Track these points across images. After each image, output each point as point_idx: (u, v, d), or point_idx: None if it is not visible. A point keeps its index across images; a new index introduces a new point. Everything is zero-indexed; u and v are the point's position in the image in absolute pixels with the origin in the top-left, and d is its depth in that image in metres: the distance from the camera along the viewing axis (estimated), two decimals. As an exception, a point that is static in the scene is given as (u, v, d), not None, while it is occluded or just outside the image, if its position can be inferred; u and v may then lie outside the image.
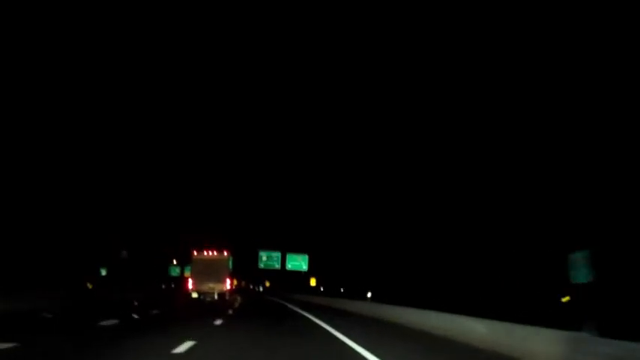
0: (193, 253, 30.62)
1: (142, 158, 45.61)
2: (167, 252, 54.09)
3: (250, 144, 67.33)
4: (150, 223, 52.03)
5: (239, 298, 34.61)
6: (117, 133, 38.46)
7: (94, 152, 36.72)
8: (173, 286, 46.48)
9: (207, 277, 29.38)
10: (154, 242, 55.09)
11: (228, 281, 30.49)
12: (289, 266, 46.61)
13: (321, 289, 56.26)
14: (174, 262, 61.15)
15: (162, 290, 49.47)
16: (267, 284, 74.24)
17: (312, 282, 55.36)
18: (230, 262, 30.17)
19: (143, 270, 55.03)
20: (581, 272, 10.00)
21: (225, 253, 30.33)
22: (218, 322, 12.68)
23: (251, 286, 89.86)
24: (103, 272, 50.18)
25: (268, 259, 46.72)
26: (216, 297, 29.33)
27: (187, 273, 34.85)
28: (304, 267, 47.02)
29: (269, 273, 59.25)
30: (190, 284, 30.50)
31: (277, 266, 46.68)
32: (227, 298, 29.58)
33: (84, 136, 34.82)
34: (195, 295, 29.58)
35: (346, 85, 45.58)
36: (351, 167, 42.31)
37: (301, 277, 54.14)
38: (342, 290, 50.45)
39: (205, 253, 30.39)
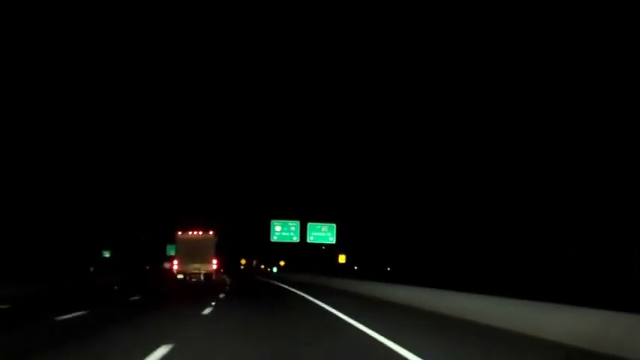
0: (177, 233, 35.08)
1: (136, 139, 57.20)
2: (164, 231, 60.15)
3: (263, 102, 79.29)
4: (143, 201, 63.84)
5: (227, 280, 39.49)
6: (107, 114, 49.25)
7: (88, 138, 46.60)
8: (169, 266, 50.40)
9: (193, 258, 33.90)
10: (148, 223, 66.26)
11: (214, 261, 35.16)
12: (311, 238, 47.37)
13: (355, 269, 57.40)
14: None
15: (147, 272, 58.66)
16: (282, 263, 76.78)
17: (342, 259, 56.34)
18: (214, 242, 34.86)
19: (132, 252, 66.85)
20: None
21: (211, 233, 35.09)
22: (207, 311, 13.42)
23: (262, 266, 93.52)
24: (107, 254, 60.68)
25: (284, 230, 47.61)
26: (202, 278, 33.77)
27: (171, 253, 39.47)
28: (331, 239, 47.73)
29: (285, 249, 60.73)
30: (175, 265, 35.17)
31: (295, 239, 47.53)
32: (213, 278, 34.01)
33: (80, 122, 44.24)
34: (180, 276, 33.97)
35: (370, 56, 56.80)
36: (381, 123, 51.45)
37: (327, 253, 56.44)
38: (388, 270, 51.39)
39: (190, 232, 34.97)
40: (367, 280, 25.88)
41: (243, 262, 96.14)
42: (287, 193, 64.73)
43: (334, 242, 47.71)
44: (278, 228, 47.65)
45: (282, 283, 34.24)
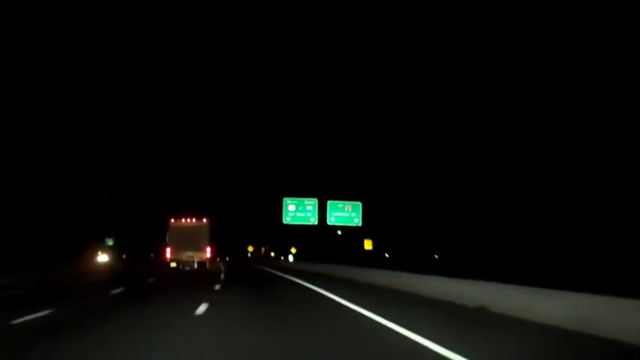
0: (170, 221, 38.66)
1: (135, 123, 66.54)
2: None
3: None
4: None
5: (223, 267, 43.33)
6: (106, 104, 57.96)
7: (91, 126, 55.09)
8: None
9: (186, 246, 37.61)
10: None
11: (208, 249, 38.90)
12: (332, 220, 45.95)
13: (386, 256, 55.99)
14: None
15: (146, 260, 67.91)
16: (294, 251, 76.03)
17: (368, 245, 55.03)
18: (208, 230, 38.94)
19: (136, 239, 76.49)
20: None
21: (205, 220, 38.89)
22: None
23: (272, 254, 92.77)
24: (110, 242, 68.58)
25: (299, 209, 46.21)
26: (195, 266, 37.43)
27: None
28: (357, 221, 46.27)
29: (300, 234, 59.36)
30: (168, 253, 38.56)
31: (313, 221, 46.10)
32: (207, 267, 37.65)
33: (80, 112, 52.39)
34: (173, 264, 37.64)
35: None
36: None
37: (349, 238, 55.34)
38: (436, 257, 49.87)
39: (183, 220, 38.61)
40: (424, 274, 20.32)
41: (250, 249, 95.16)
42: (301, 167, 63.52)
43: (360, 224, 46.20)
44: (292, 207, 46.22)
45: (297, 277, 29.40)
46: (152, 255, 76.31)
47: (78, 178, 57.12)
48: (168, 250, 39.34)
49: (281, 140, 79.83)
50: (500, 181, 44.37)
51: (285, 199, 46.33)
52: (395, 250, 54.13)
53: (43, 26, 46.67)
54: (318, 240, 52.35)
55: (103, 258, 55.13)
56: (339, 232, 52.38)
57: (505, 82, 45.12)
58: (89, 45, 60.14)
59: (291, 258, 61.78)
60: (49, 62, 48.09)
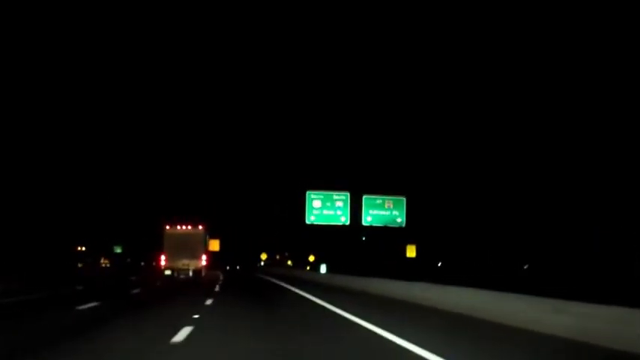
0: (165, 227, 41.91)
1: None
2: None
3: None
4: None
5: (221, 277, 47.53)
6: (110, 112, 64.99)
7: (98, 136, 62.67)
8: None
9: (181, 253, 40.72)
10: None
11: (204, 257, 41.96)
12: (368, 219, 43.26)
13: (439, 266, 53.16)
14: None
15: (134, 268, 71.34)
16: (312, 259, 74.22)
17: (411, 251, 52.25)
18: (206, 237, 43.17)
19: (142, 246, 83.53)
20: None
21: (201, 227, 42.33)
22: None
23: (289, 262, 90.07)
24: (118, 250, 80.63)
25: (326, 206, 43.59)
26: (190, 274, 40.68)
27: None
28: (399, 221, 43.53)
29: (328, 236, 56.64)
30: (162, 261, 41.69)
31: (344, 220, 43.44)
32: (203, 275, 41.26)
33: (85, 120, 59.50)
34: (168, 272, 40.74)
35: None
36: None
37: (387, 242, 52.91)
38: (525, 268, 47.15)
39: (179, 227, 41.99)
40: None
41: (263, 257, 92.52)
42: (328, 155, 60.66)
43: (403, 225, 43.50)
44: (317, 203, 43.61)
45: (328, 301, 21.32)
46: (142, 263, 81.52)
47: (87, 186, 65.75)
48: (162, 257, 42.16)
49: (301, 126, 77.63)
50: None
51: (308, 193, 43.79)
52: (448, 257, 51.02)
53: (42, 27, 52.08)
54: (350, 245, 49.53)
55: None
56: (364, 239, 49.80)
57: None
58: (90, 52, 65.96)
59: (323, 269, 53.64)
60: (51, 68, 53.81)
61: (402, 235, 47.35)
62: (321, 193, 43.78)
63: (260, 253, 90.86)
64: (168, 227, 42.01)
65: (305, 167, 61.21)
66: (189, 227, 42.24)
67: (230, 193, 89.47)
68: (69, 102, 57.39)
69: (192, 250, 41.16)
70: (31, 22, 49.83)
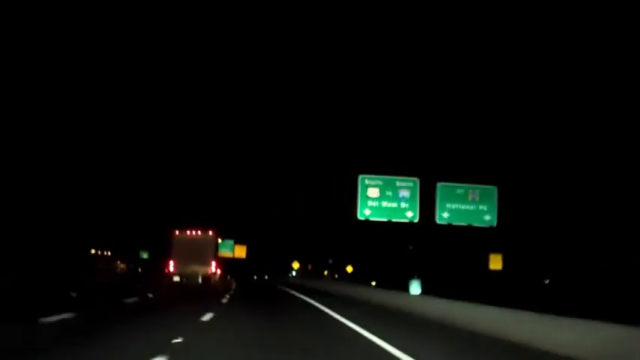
0: (175, 233, 42.77)
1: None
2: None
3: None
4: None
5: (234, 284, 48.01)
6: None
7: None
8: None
9: (191, 259, 41.14)
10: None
11: (213, 263, 42.80)
12: (445, 216, 31.35)
13: (546, 283, 41.29)
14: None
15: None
16: (350, 269, 68.05)
17: (496, 262, 40.37)
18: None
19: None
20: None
21: (211, 233, 43.28)
22: None
23: (325, 272, 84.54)
24: (145, 255, 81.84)
25: (385, 196, 31.65)
26: (200, 281, 41.38)
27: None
28: (489, 218, 31.53)
29: (383, 237, 44.07)
30: (171, 267, 42.15)
31: (411, 216, 31.51)
32: (212, 282, 42.40)
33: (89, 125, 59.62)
34: (177, 278, 41.49)
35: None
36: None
37: (462, 247, 42.16)
38: None
39: (188, 232, 42.80)
40: None
41: (295, 266, 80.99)
42: (384, 132, 49.14)
43: (494, 224, 31.67)
44: (373, 192, 32.17)
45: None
46: (139, 270, 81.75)
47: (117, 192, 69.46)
48: (171, 263, 42.34)
49: (348, 100, 69.40)
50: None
51: (362, 178, 32.25)
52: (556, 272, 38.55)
53: (42, 27, 52.53)
54: (419, 249, 36.86)
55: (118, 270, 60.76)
56: (410, 250, 38.45)
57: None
58: (93, 56, 67.24)
59: (416, 288, 32.18)
60: (55, 71, 54.34)
61: (489, 239, 35.03)
62: (380, 178, 32.25)
63: (291, 261, 78.96)
64: (177, 232, 42.64)
65: (355, 148, 49.26)
66: (199, 232, 42.83)
67: (258, 195, 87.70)
68: (79, 111, 59.22)
69: (201, 256, 41.44)
70: (31, 23, 51.25)
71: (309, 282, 49.55)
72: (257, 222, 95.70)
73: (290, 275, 77.89)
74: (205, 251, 41.94)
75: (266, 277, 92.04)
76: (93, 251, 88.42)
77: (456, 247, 39.82)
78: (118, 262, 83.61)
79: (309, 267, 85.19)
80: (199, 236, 42.58)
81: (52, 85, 54.33)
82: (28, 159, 51.77)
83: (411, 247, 35.12)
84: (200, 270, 41.44)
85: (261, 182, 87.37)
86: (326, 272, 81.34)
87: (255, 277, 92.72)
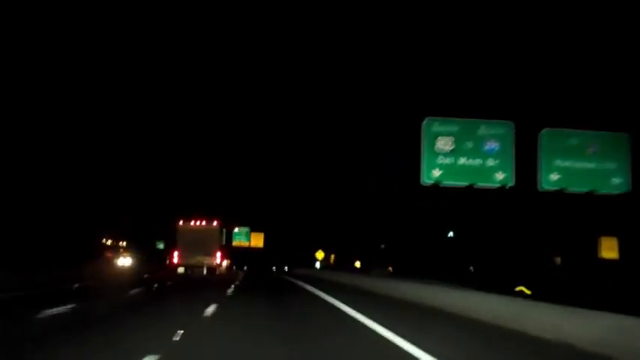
0: (179, 223, 44.39)
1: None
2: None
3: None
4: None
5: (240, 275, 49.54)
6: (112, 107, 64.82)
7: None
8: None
9: (195, 250, 42.31)
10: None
11: (218, 254, 44.34)
12: (553, 179, 21.77)
13: None
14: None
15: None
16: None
17: (610, 249, 30.46)
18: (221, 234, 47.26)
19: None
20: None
21: (215, 223, 44.40)
22: None
23: (357, 264, 73.44)
24: (161, 246, 79.82)
25: (464, 147, 21.98)
26: (205, 272, 42.54)
27: (160, 247, 61.34)
28: (618, 181, 21.85)
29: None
30: (176, 258, 43.94)
31: (502, 178, 21.67)
32: (217, 273, 43.69)
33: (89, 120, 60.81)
34: (181, 270, 42.80)
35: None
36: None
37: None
38: None
39: (192, 222, 44.14)
40: None
41: (320, 255, 67.53)
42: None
43: (628, 189, 21.79)
44: (445, 144, 22.65)
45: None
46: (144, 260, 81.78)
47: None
48: (175, 254, 42.53)
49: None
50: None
51: (428, 122, 22.35)
52: None
53: (42, 27, 53.51)
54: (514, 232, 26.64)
55: (125, 261, 58.11)
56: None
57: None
58: (96, 52, 66.97)
59: None
60: (55, 65, 54.74)
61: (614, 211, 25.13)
62: (455, 122, 22.51)
63: (316, 250, 67.03)
64: (181, 223, 42.73)
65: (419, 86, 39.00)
66: (204, 223, 42.83)
67: (278, 177, 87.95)
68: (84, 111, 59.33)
69: (206, 247, 41.38)
70: (31, 23, 51.72)
71: (346, 278, 34.05)
72: (275, 208, 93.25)
73: (316, 267, 66.30)
74: (210, 242, 41.95)
75: (286, 268, 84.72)
76: (110, 242, 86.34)
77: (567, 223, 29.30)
78: (122, 250, 78.56)
79: (332, 257, 72.35)
80: (204, 226, 42.56)
81: (66, 80, 55.64)
82: (46, 150, 53.06)
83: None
84: (205, 261, 41.51)
85: (281, 162, 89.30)
86: (358, 263, 69.18)
87: (274, 268, 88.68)
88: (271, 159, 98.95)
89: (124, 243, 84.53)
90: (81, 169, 58.60)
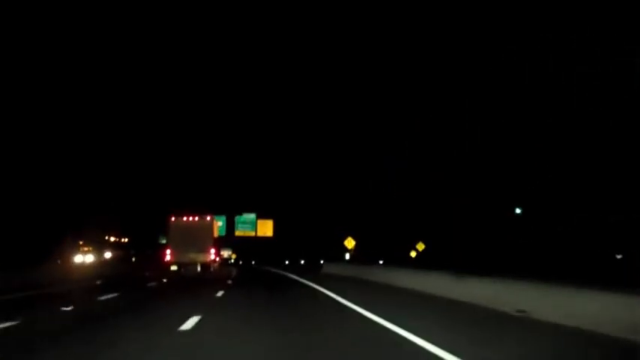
0: (170, 219, 43.70)
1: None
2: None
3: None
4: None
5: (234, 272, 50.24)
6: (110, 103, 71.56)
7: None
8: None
9: (188, 246, 42.00)
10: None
11: (212, 251, 43.62)
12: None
13: None
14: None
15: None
16: (421, 247, 56.04)
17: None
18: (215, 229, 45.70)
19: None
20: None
21: (208, 218, 44.30)
22: None
23: (413, 254, 64.07)
24: (164, 241, 76.46)
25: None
26: (198, 269, 42.06)
27: (163, 242, 56.07)
28: None
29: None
30: (168, 255, 42.98)
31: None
32: (212, 270, 42.84)
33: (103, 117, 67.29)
34: (174, 267, 42.26)
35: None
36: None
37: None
38: None
39: (185, 218, 43.86)
40: None
41: (350, 244, 55.93)
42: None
43: None
44: None
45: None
46: (133, 258, 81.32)
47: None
48: (168, 251, 41.93)
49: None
50: None
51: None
52: None
53: (42, 27, 55.89)
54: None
55: (86, 258, 55.25)
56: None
57: None
58: (94, 49, 71.69)
59: None
60: (52, 64, 57.35)
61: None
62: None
63: (344, 238, 56.44)
64: (173, 218, 42.20)
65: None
66: (197, 218, 42.51)
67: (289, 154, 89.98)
68: (80, 100, 62.24)
69: (199, 243, 40.92)
70: (31, 23, 54.37)
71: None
72: (287, 191, 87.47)
73: (344, 260, 54.97)
74: (204, 237, 41.55)
75: (302, 262, 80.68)
76: (113, 239, 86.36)
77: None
78: (81, 245, 76.26)
79: (354, 248, 58.16)
80: (197, 222, 42.12)
81: (69, 78, 58.48)
82: (51, 147, 55.42)
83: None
84: (199, 257, 41.03)
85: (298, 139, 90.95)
86: (413, 253, 62.87)
87: (287, 262, 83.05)
88: (274, 148, 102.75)
89: (126, 239, 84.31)
90: (56, 165, 58.78)
